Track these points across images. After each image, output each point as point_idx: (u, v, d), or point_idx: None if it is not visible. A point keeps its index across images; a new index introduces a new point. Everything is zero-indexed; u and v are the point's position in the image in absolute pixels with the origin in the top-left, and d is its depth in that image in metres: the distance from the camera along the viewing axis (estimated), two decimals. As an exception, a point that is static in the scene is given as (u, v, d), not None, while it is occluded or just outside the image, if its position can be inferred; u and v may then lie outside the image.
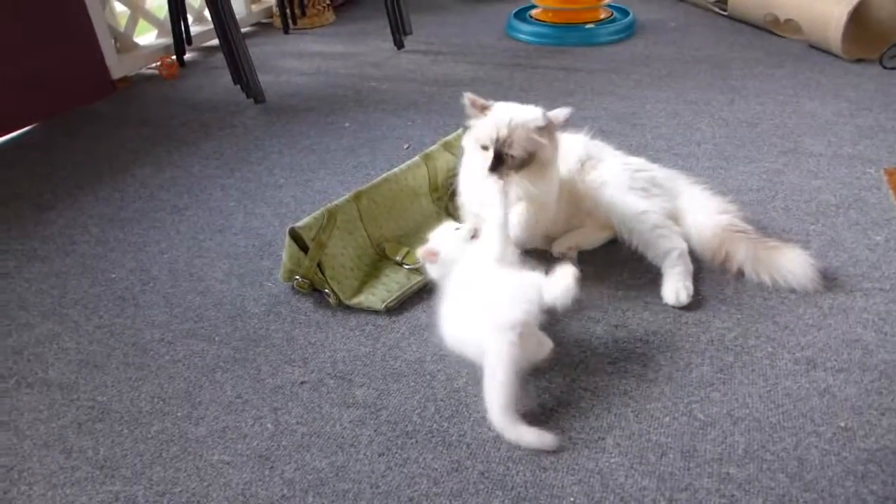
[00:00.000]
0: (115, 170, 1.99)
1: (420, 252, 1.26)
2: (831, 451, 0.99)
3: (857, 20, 2.37)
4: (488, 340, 1.04)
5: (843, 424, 1.03)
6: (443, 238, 1.27)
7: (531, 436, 1.01)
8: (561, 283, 1.07)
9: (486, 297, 1.09)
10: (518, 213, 1.33)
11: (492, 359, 1.03)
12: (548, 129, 1.29)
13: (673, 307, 1.29)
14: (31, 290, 1.47)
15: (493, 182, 1.26)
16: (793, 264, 1.30)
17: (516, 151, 1.27)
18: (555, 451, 1.01)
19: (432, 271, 1.26)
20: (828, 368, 1.13)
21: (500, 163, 1.27)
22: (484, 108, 1.32)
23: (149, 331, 1.33)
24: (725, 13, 3.00)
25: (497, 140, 1.27)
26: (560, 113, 1.31)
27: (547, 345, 1.15)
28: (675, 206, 1.44)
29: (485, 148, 1.30)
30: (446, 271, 1.22)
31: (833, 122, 1.98)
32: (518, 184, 1.30)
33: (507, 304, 1.07)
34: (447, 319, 1.15)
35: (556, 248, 1.43)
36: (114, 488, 1.01)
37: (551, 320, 1.26)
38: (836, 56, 2.45)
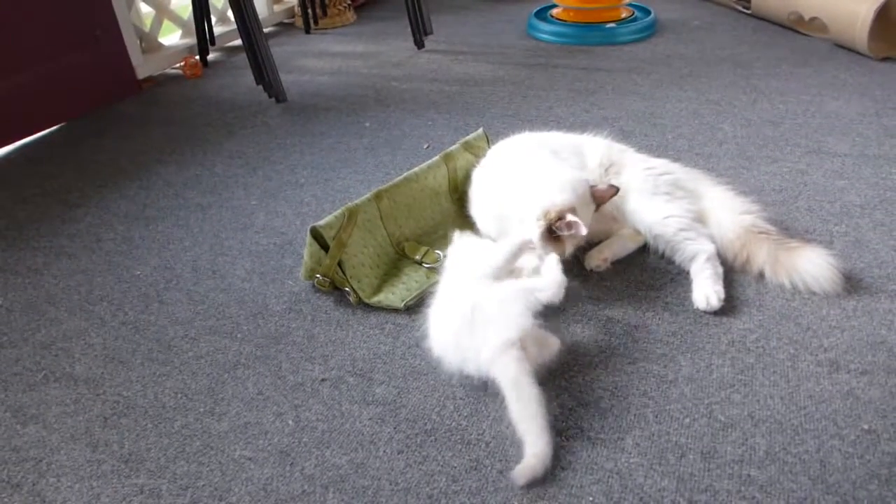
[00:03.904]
0: (141, 168, 2.02)
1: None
2: (854, 453, 0.98)
3: (884, 18, 2.33)
4: (492, 366, 1.05)
5: (866, 427, 1.02)
6: (478, 246, 1.29)
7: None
8: (550, 279, 1.14)
9: (480, 316, 1.09)
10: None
11: (506, 382, 1.03)
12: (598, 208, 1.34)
13: (703, 311, 1.27)
14: (59, 286, 1.50)
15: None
16: (813, 266, 1.28)
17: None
18: (573, 451, 1.02)
19: (448, 260, 1.29)
20: (851, 371, 1.12)
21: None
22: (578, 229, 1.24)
23: (172, 327, 1.35)
24: (749, 12, 2.97)
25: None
26: (608, 190, 1.33)
27: (554, 343, 1.14)
28: (699, 207, 1.43)
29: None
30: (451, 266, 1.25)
31: (858, 122, 1.95)
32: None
33: (501, 324, 1.07)
34: (438, 332, 1.16)
35: (590, 263, 1.40)
36: (138, 481, 1.03)
37: (570, 321, 1.26)
38: (861, 55, 2.42)
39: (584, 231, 1.21)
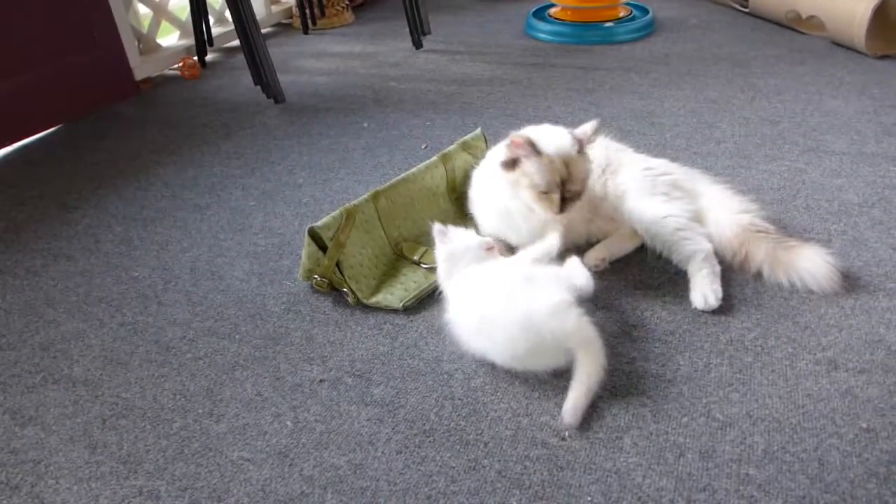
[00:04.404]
0: (139, 169, 2.02)
1: (436, 228, 1.29)
2: (853, 452, 0.98)
3: (882, 16, 2.34)
4: (550, 322, 1.07)
5: (864, 426, 1.02)
6: (466, 237, 1.29)
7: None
8: (580, 271, 1.23)
9: (529, 285, 1.13)
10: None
11: (569, 335, 1.08)
12: (581, 147, 1.30)
13: (702, 311, 1.27)
14: (58, 288, 1.50)
15: (556, 218, 1.28)
16: (811, 265, 1.28)
17: (578, 185, 1.28)
18: (571, 451, 1.02)
19: (442, 267, 1.28)
20: (849, 369, 1.12)
21: (566, 202, 1.28)
22: (530, 146, 1.26)
23: (171, 329, 1.35)
24: (746, 10, 2.97)
25: (560, 183, 1.27)
26: (588, 127, 1.31)
27: None
28: (697, 206, 1.43)
29: (544, 192, 1.27)
30: (455, 270, 1.25)
31: (856, 120, 1.95)
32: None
33: (552, 289, 1.12)
34: (464, 318, 1.16)
35: (588, 261, 1.38)
36: (137, 483, 1.03)
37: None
38: (859, 53, 2.42)
39: (524, 137, 1.24)
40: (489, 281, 1.18)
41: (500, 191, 1.36)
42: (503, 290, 1.14)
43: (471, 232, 1.32)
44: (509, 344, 1.10)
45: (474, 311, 1.15)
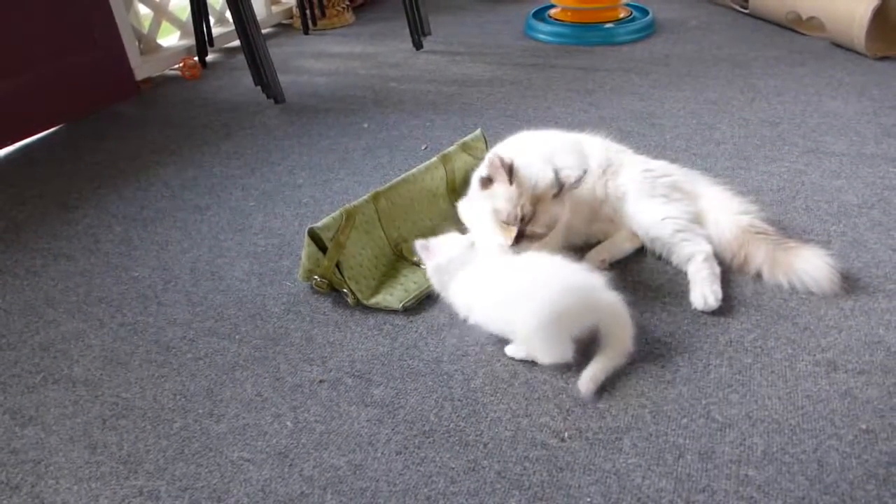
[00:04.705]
0: (139, 170, 2.02)
1: (418, 245, 1.28)
2: (852, 453, 0.98)
3: (882, 18, 2.34)
4: (610, 303, 1.15)
5: (864, 427, 1.02)
6: (448, 245, 1.28)
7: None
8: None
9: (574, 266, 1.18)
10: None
11: (618, 324, 1.15)
12: (559, 193, 1.28)
13: (701, 312, 1.27)
14: (58, 288, 1.50)
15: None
16: (811, 266, 1.28)
17: (539, 228, 1.27)
18: (571, 452, 1.02)
19: (434, 280, 1.28)
20: (849, 370, 1.12)
21: (523, 238, 1.27)
22: (508, 172, 1.25)
23: (171, 329, 1.35)
24: (747, 11, 2.98)
25: (522, 218, 1.25)
26: (573, 176, 1.28)
27: None
28: (697, 207, 1.43)
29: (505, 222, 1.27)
30: (448, 279, 1.25)
31: (856, 121, 1.95)
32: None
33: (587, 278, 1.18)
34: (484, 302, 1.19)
35: (588, 263, 1.38)
36: (137, 483, 1.03)
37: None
38: (859, 54, 2.42)
39: (506, 160, 1.24)
40: (520, 262, 1.21)
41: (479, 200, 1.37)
42: (549, 263, 1.18)
43: (453, 236, 1.32)
44: (549, 302, 1.10)
45: (514, 275, 1.19)
